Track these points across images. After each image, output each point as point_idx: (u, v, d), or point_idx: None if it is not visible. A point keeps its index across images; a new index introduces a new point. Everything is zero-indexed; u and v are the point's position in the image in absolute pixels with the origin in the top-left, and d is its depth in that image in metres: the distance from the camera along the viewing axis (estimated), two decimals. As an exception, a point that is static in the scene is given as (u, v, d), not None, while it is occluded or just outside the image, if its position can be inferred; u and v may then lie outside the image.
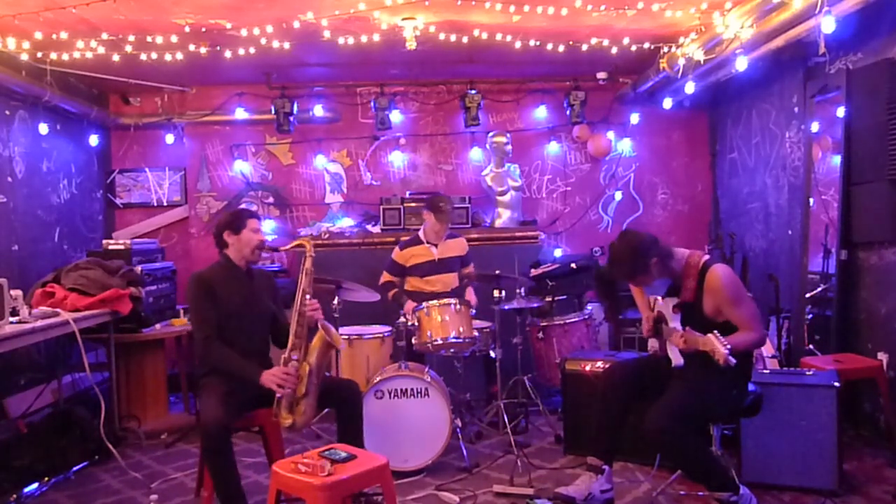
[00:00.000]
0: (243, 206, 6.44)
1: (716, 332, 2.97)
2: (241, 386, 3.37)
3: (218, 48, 4.85)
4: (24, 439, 4.10)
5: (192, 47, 4.79)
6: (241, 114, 6.40)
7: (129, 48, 4.75)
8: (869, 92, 4.36)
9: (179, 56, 4.84)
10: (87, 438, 4.31)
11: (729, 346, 2.90)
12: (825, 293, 4.99)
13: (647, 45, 5.15)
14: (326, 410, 3.99)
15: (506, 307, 4.65)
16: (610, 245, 3.32)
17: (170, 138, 6.46)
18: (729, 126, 6.44)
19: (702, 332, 3.02)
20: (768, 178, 5.74)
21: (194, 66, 5.52)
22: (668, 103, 6.16)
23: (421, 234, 5.05)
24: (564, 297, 5.34)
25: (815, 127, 5.05)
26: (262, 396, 3.37)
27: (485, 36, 4.86)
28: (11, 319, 3.85)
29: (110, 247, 5.22)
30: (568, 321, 4.98)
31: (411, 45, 4.61)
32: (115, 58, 4.90)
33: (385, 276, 5.02)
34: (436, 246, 5.00)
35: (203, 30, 4.58)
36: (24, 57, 4.70)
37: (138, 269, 5.01)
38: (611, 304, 3.76)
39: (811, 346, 4.85)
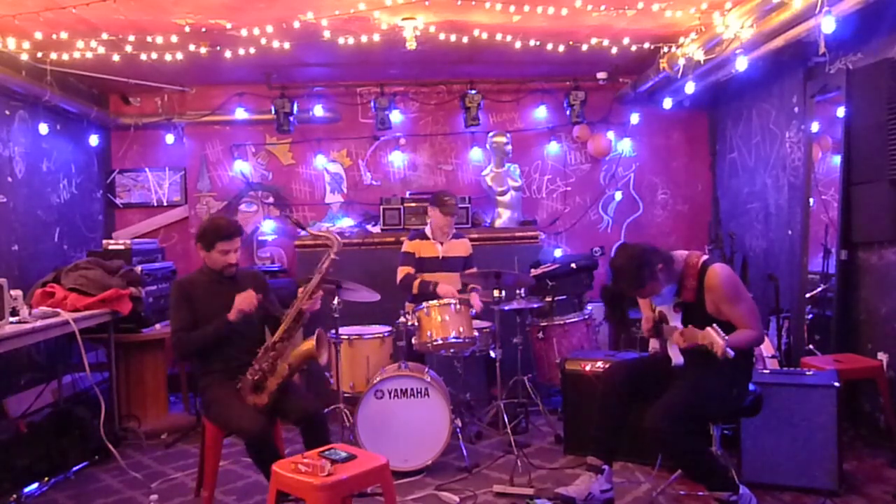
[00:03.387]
0: (243, 206, 6.45)
1: (714, 325, 2.99)
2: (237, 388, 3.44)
3: (218, 48, 4.85)
4: (24, 439, 4.10)
5: (192, 47, 4.78)
6: (241, 114, 6.40)
7: (129, 48, 4.75)
8: (869, 92, 4.36)
9: (179, 56, 4.83)
10: (87, 438, 4.31)
11: (727, 338, 2.93)
12: (825, 293, 4.98)
13: (647, 45, 5.14)
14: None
15: (506, 307, 4.64)
16: (610, 262, 3.33)
17: (170, 138, 6.46)
18: (729, 126, 6.44)
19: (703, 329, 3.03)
20: (768, 178, 5.74)
21: (194, 66, 5.52)
22: (668, 103, 6.16)
23: (427, 230, 5.00)
24: (564, 297, 5.34)
25: (815, 127, 5.05)
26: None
27: (485, 36, 4.86)
28: (11, 319, 3.85)
29: (110, 247, 5.22)
30: (568, 321, 4.98)
31: (411, 45, 4.61)
32: (115, 58, 4.90)
33: (402, 271, 4.86)
34: (441, 244, 4.96)
35: (203, 30, 4.57)
36: (24, 57, 4.70)
37: (138, 269, 5.02)
38: (621, 321, 3.71)
39: (811, 346, 4.85)
